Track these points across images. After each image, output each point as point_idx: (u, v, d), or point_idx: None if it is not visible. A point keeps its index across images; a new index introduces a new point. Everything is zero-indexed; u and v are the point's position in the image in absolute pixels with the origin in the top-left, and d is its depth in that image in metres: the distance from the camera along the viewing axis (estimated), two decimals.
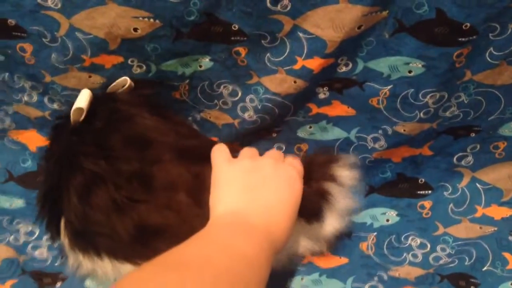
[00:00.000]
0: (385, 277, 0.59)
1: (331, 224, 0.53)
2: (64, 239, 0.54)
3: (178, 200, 0.52)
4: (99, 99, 0.57)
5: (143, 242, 0.51)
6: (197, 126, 0.70)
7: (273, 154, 0.52)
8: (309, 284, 0.59)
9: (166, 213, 0.51)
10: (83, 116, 0.54)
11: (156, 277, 0.33)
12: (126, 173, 0.51)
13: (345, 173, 0.54)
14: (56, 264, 0.61)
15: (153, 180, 0.52)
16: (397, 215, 0.66)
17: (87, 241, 0.52)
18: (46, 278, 0.59)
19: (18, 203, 0.68)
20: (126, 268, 0.52)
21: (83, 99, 0.54)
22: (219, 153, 0.52)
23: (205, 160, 0.53)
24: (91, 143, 0.53)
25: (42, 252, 0.63)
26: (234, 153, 0.53)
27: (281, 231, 0.45)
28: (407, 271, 0.59)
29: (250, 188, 0.47)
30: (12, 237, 0.64)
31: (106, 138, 0.53)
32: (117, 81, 0.59)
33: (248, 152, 0.53)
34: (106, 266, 0.52)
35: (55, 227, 0.54)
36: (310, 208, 0.50)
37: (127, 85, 0.59)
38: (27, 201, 0.68)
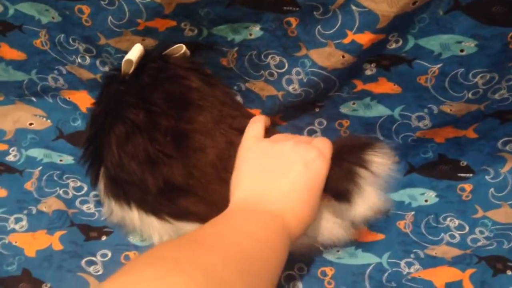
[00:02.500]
0: (422, 255, 0.59)
1: (359, 209, 0.51)
2: (100, 185, 0.57)
3: (206, 163, 0.53)
4: (151, 56, 0.59)
5: (169, 198, 0.53)
6: (241, 96, 0.71)
7: (297, 138, 0.51)
8: (344, 256, 0.60)
9: (193, 172, 0.53)
10: (132, 69, 0.56)
11: (168, 251, 0.35)
12: (163, 128, 0.54)
13: (379, 160, 0.52)
14: (102, 219, 0.63)
15: (186, 139, 0.54)
16: (436, 196, 0.66)
17: (119, 188, 0.55)
18: (92, 232, 0.62)
19: (67, 159, 0.71)
20: (152, 221, 0.54)
21: (134, 53, 0.57)
22: (253, 126, 0.53)
23: (240, 131, 0.54)
24: (135, 95, 0.55)
25: (89, 207, 0.65)
26: (273, 127, 0.53)
27: (298, 217, 0.44)
28: (444, 251, 0.60)
29: (267, 172, 0.46)
30: (62, 190, 0.67)
31: (149, 93, 0.56)
32: (173, 47, 0.61)
33: (278, 136, 0.52)
34: (134, 216, 0.54)
35: (96, 171, 0.57)
36: (337, 188, 0.49)
37: (182, 51, 0.61)
38: (75, 158, 0.71)
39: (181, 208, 0.52)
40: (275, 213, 0.42)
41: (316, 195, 0.45)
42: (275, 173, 0.46)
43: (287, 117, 0.70)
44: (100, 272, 0.58)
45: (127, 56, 0.56)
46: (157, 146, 0.53)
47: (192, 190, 0.53)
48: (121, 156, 0.53)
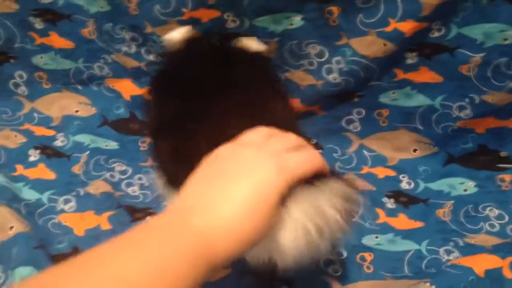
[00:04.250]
0: (461, 243, 0.60)
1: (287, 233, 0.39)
2: None
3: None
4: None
5: (179, 165, 0.49)
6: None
7: (258, 135, 0.41)
8: (383, 243, 0.60)
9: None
10: None
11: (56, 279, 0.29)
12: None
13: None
14: (147, 201, 0.65)
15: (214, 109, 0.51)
16: (475, 186, 0.66)
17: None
18: (138, 213, 0.64)
19: (112, 145, 0.74)
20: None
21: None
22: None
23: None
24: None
25: (134, 190, 0.68)
26: None
27: (232, 234, 0.34)
28: (484, 239, 0.60)
29: (207, 180, 0.38)
30: (108, 174, 0.70)
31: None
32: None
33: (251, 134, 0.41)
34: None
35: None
36: None
37: None
38: (120, 143, 0.74)
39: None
40: (199, 229, 0.33)
41: (261, 213, 0.35)
42: (222, 181, 0.37)
43: (326, 107, 0.71)
44: None
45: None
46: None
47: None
48: None
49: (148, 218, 0.64)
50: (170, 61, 0.59)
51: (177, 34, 0.57)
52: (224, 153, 0.39)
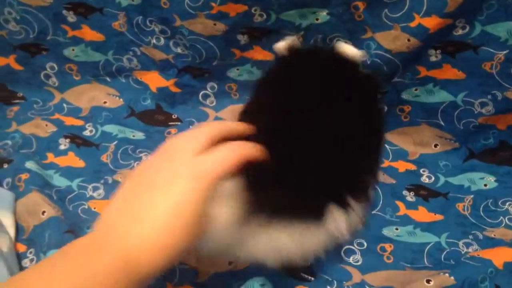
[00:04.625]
0: (480, 236, 0.61)
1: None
2: None
3: None
4: None
5: None
6: None
7: (181, 142, 0.40)
8: (403, 235, 0.62)
9: None
10: None
11: None
12: None
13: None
14: None
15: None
16: (496, 181, 0.67)
17: None
18: None
19: (139, 135, 0.76)
20: None
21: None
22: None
23: None
24: None
25: None
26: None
27: (146, 249, 0.34)
28: (503, 233, 0.61)
29: (129, 196, 0.38)
30: (136, 163, 0.72)
31: None
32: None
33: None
34: None
35: None
36: None
37: None
38: (146, 134, 0.76)
39: None
40: (120, 247, 0.34)
41: (182, 224, 0.35)
42: (142, 196, 0.36)
43: None
44: None
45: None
46: None
47: None
48: None
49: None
50: (274, 70, 0.60)
51: (283, 44, 0.58)
52: (143, 168, 0.39)
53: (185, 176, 0.36)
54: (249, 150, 0.40)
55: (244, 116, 0.54)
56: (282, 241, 0.45)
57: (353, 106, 0.52)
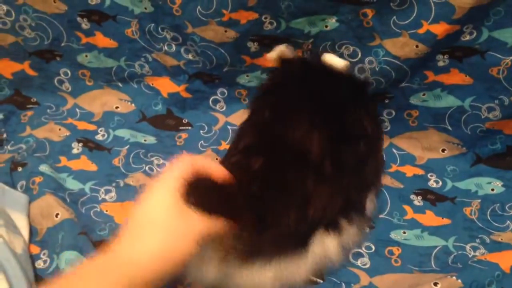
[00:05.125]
0: (487, 240, 0.61)
1: None
2: None
3: None
4: None
5: None
6: None
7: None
8: (411, 238, 0.62)
9: None
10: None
11: None
12: None
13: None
14: None
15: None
16: (503, 185, 0.68)
17: None
18: None
19: (151, 139, 0.78)
20: None
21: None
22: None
23: None
24: None
25: None
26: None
27: (143, 256, 0.39)
28: (510, 237, 0.61)
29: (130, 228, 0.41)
30: (147, 167, 0.73)
31: None
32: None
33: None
34: None
35: None
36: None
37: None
38: (157, 138, 0.78)
39: None
40: (115, 261, 0.38)
41: (158, 226, 0.40)
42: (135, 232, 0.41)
43: None
44: None
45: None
46: None
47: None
48: None
49: None
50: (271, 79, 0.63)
51: (273, 54, 0.60)
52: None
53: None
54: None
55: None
56: (266, 276, 0.48)
57: (343, 117, 0.54)
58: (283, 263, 0.48)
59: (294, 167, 0.49)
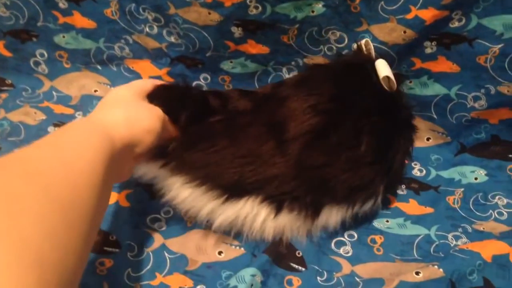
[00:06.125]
0: (469, 229, 0.61)
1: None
2: None
3: None
4: None
5: None
6: (298, 71, 0.74)
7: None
8: (394, 227, 0.62)
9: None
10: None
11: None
12: None
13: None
14: None
15: None
16: (486, 174, 0.68)
17: None
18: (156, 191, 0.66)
19: None
20: None
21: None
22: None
23: None
24: None
25: None
26: None
27: (116, 125, 0.46)
28: (492, 226, 0.61)
29: (105, 105, 0.51)
30: None
31: None
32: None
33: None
34: None
35: None
36: None
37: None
38: None
39: None
40: (99, 121, 0.45)
41: (137, 102, 0.51)
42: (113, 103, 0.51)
43: None
44: (163, 228, 0.62)
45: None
46: None
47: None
48: None
49: None
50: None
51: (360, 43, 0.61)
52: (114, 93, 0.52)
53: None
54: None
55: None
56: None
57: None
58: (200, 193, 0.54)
59: (267, 127, 0.56)
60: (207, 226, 0.58)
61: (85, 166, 0.37)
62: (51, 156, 0.36)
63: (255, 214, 0.54)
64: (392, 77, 0.55)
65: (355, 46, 0.60)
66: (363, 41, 0.59)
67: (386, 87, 0.56)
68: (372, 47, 0.60)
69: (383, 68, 0.55)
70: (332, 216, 0.56)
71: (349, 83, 0.57)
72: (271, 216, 0.54)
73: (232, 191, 0.53)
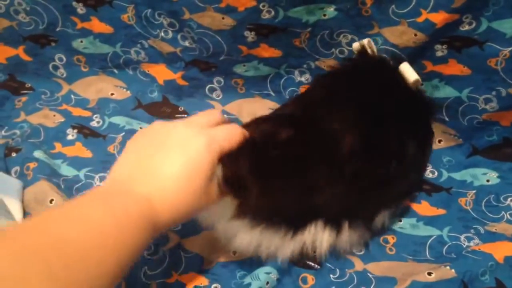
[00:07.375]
0: (482, 231, 0.61)
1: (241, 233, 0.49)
2: None
3: None
4: None
5: None
6: (310, 74, 0.75)
7: (196, 117, 0.45)
8: (406, 227, 0.63)
9: None
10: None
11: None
12: None
13: None
14: None
15: None
16: (498, 177, 0.68)
17: None
18: None
19: (146, 127, 0.77)
20: None
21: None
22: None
23: None
24: None
25: None
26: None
27: (168, 203, 0.38)
28: (504, 228, 0.61)
29: (148, 153, 0.40)
30: None
31: None
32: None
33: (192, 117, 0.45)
34: None
35: None
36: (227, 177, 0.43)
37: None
38: None
39: None
40: (140, 195, 0.37)
41: (195, 183, 0.39)
42: (156, 153, 0.40)
43: None
44: (179, 228, 0.63)
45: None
46: None
47: None
48: None
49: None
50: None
51: (356, 45, 0.60)
52: (155, 129, 0.43)
53: (200, 138, 0.40)
54: (243, 134, 0.45)
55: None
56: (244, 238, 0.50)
57: (389, 130, 0.54)
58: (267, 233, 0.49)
59: (318, 152, 0.50)
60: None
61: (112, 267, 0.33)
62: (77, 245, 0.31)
63: (320, 241, 0.52)
64: (420, 80, 0.55)
65: (356, 45, 0.60)
66: (365, 41, 0.59)
67: (414, 90, 0.56)
68: (375, 47, 0.60)
69: (410, 71, 0.56)
70: (379, 220, 0.56)
71: (378, 90, 0.56)
72: (333, 237, 0.53)
73: (297, 223, 0.50)
